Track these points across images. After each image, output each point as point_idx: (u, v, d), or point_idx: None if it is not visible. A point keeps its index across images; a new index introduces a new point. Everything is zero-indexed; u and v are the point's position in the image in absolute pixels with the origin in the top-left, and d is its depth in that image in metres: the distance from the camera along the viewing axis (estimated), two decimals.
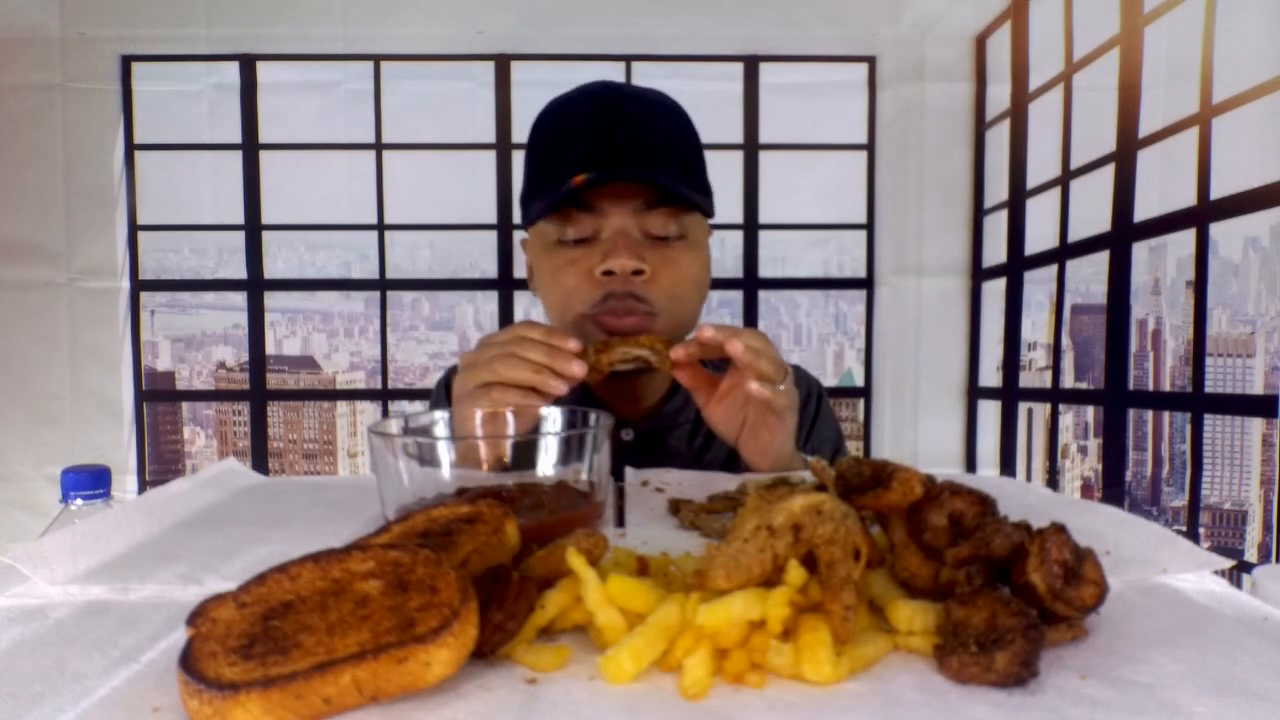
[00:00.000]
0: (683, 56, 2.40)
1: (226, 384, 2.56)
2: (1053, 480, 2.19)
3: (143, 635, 0.45)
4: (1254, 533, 1.81)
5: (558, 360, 0.84)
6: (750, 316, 2.51)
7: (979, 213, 2.40)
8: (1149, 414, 2.04)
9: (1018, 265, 2.25)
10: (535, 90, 2.42)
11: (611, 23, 2.34)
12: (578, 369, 0.84)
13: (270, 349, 2.49)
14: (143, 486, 2.42)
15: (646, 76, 2.38)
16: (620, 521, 0.69)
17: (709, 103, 2.40)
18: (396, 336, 2.53)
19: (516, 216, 2.44)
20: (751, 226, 2.48)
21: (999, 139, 2.32)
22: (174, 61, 2.37)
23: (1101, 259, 1.88)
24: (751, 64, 2.42)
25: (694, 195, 1.00)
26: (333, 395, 2.62)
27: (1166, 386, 1.99)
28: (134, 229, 2.39)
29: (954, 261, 2.43)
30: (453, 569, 0.40)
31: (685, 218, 1.01)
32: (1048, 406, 2.20)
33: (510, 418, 0.82)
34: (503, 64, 2.39)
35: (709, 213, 1.05)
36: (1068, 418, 2.20)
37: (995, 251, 2.35)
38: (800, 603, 0.41)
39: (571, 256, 0.99)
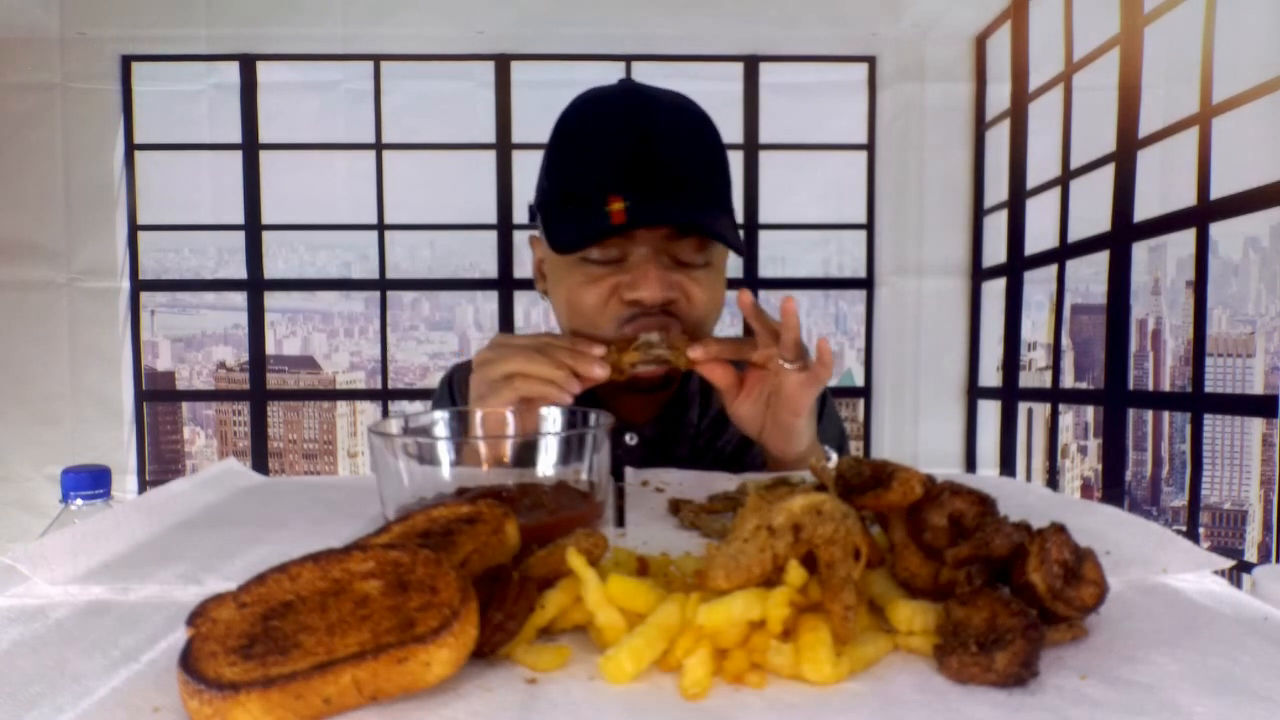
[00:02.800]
0: (683, 56, 2.39)
1: (226, 384, 2.56)
2: (1053, 480, 2.19)
3: (143, 635, 0.45)
4: (1254, 533, 1.81)
5: (581, 362, 0.85)
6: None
7: (979, 213, 2.40)
8: (1149, 414, 2.04)
9: (1018, 265, 2.25)
10: (535, 90, 2.42)
11: (611, 23, 2.34)
12: (599, 371, 0.85)
13: (270, 349, 2.49)
14: (143, 486, 2.41)
15: (646, 76, 2.37)
16: (620, 521, 0.69)
17: (709, 103, 2.36)
18: (396, 336, 2.53)
19: (517, 216, 2.46)
20: (751, 226, 2.48)
21: (999, 139, 2.31)
22: (174, 61, 2.36)
23: (1101, 259, 1.88)
24: (751, 64, 2.42)
25: (728, 233, 0.97)
26: (333, 395, 2.62)
27: (1166, 386, 1.99)
28: (134, 229, 2.39)
29: (954, 261, 2.43)
30: (453, 569, 0.40)
31: (712, 246, 0.99)
32: (1048, 406, 2.20)
33: (510, 418, 0.82)
34: (503, 64, 2.39)
35: (740, 249, 1.01)
36: (1068, 418, 2.20)
37: (995, 251, 2.35)
38: (800, 603, 0.41)
39: (594, 275, 0.96)
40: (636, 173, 0.93)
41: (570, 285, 0.98)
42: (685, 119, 1.01)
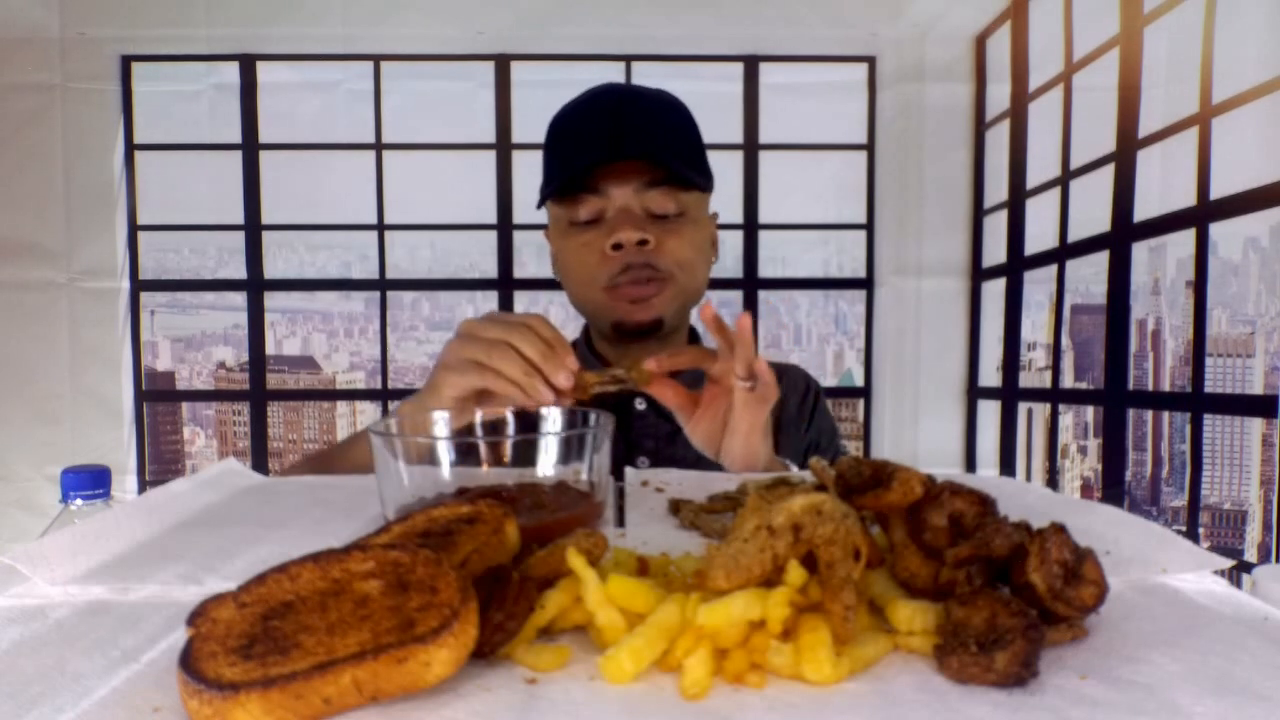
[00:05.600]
0: (683, 56, 2.39)
1: (226, 384, 2.56)
2: (1053, 480, 2.19)
3: (143, 635, 0.45)
4: (1254, 533, 1.81)
5: (549, 363, 0.83)
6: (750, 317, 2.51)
7: (979, 213, 2.40)
8: (1149, 414, 2.04)
9: (1018, 265, 2.25)
10: (535, 90, 2.42)
11: (611, 23, 2.34)
12: (564, 380, 0.83)
13: (270, 349, 2.49)
14: (143, 486, 2.41)
15: (646, 76, 2.38)
16: (620, 521, 0.69)
17: (709, 103, 2.38)
18: (396, 336, 2.53)
19: (517, 216, 2.46)
20: (751, 226, 2.48)
21: (999, 139, 2.31)
22: (174, 61, 2.37)
23: (1101, 259, 1.88)
24: (751, 64, 2.42)
25: (689, 173, 1.08)
26: (333, 395, 2.62)
27: (1166, 386, 1.99)
28: (134, 229, 2.39)
29: (954, 261, 2.43)
30: (453, 569, 0.40)
31: (684, 196, 1.09)
32: (1048, 406, 2.20)
33: (510, 418, 0.82)
34: (503, 64, 2.39)
35: (706, 188, 1.13)
36: (1067, 418, 2.20)
37: (995, 251, 2.35)
38: (800, 603, 0.41)
39: (585, 238, 1.08)
40: (606, 140, 1.06)
41: (571, 251, 1.11)
42: (655, 103, 1.13)
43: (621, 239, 1.05)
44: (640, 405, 1.16)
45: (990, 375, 2.40)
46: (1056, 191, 2.07)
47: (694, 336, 1.25)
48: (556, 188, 1.08)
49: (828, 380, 2.59)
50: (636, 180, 1.06)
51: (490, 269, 2.46)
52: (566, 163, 1.08)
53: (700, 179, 1.11)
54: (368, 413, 2.57)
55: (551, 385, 0.83)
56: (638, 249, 1.06)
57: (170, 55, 2.36)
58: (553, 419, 0.80)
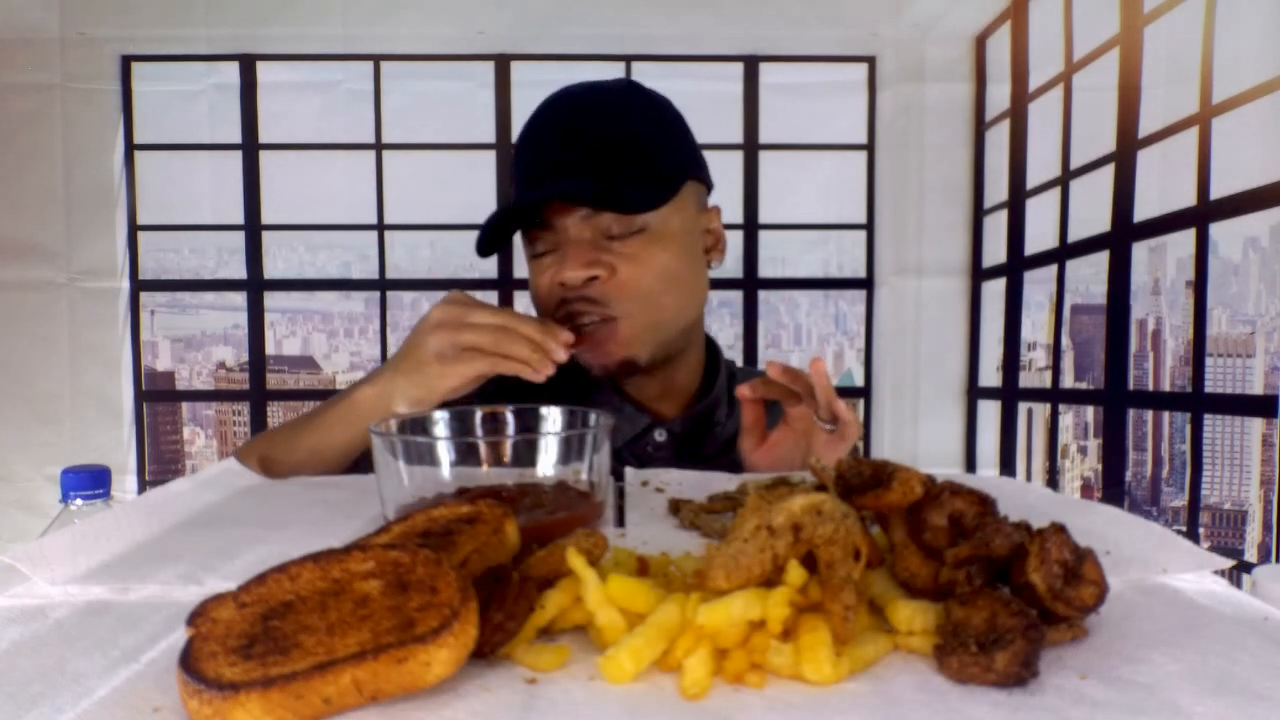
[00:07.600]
0: (683, 56, 2.39)
1: (226, 384, 2.56)
2: (1053, 480, 2.19)
3: (143, 635, 0.45)
4: (1254, 533, 1.80)
5: (550, 338, 0.87)
6: (750, 316, 2.51)
7: (979, 213, 2.40)
8: (1149, 414, 2.04)
9: (1018, 265, 2.25)
10: (535, 90, 2.39)
11: (611, 23, 2.34)
12: (564, 355, 0.88)
13: (270, 349, 2.49)
14: (143, 486, 2.41)
15: (646, 76, 2.36)
16: (620, 521, 0.69)
17: (709, 103, 2.39)
18: (396, 336, 2.53)
19: None
20: (751, 226, 2.47)
21: (999, 139, 2.31)
22: (174, 61, 2.36)
23: (1101, 259, 1.88)
24: (751, 64, 2.42)
25: (632, 193, 0.97)
26: (332, 395, 2.62)
27: (1166, 386, 1.99)
28: (134, 229, 2.39)
29: (954, 261, 2.43)
30: (453, 569, 0.40)
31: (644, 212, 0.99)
32: (1048, 406, 2.20)
33: (510, 418, 0.82)
34: (503, 64, 2.39)
35: (655, 204, 0.98)
36: (1068, 418, 2.20)
37: (995, 251, 2.35)
38: (800, 603, 0.41)
39: (541, 266, 1.03)
40: (547, 168, 1.01)
41: (531, 281, 1.06)
42: (606, 104, 1.05)
43: (564, 278, 0.96)
44: (660, 436, 1.11)
45: (990, 375, 2.40)
46: (1056, 191, 2.07)
47: (711, 353, 1.18)
48: (491, 243, 1.04)
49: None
50: (582, 207, 0.98)
51: (490, 269, 2.46)
52: (517, 197, 1.04)
53: (649, 194, 0.98)
54: None
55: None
56: (587, 284, 0.97)
57: (170, 55, 2.35)
58: (552, 419, 0.80)
